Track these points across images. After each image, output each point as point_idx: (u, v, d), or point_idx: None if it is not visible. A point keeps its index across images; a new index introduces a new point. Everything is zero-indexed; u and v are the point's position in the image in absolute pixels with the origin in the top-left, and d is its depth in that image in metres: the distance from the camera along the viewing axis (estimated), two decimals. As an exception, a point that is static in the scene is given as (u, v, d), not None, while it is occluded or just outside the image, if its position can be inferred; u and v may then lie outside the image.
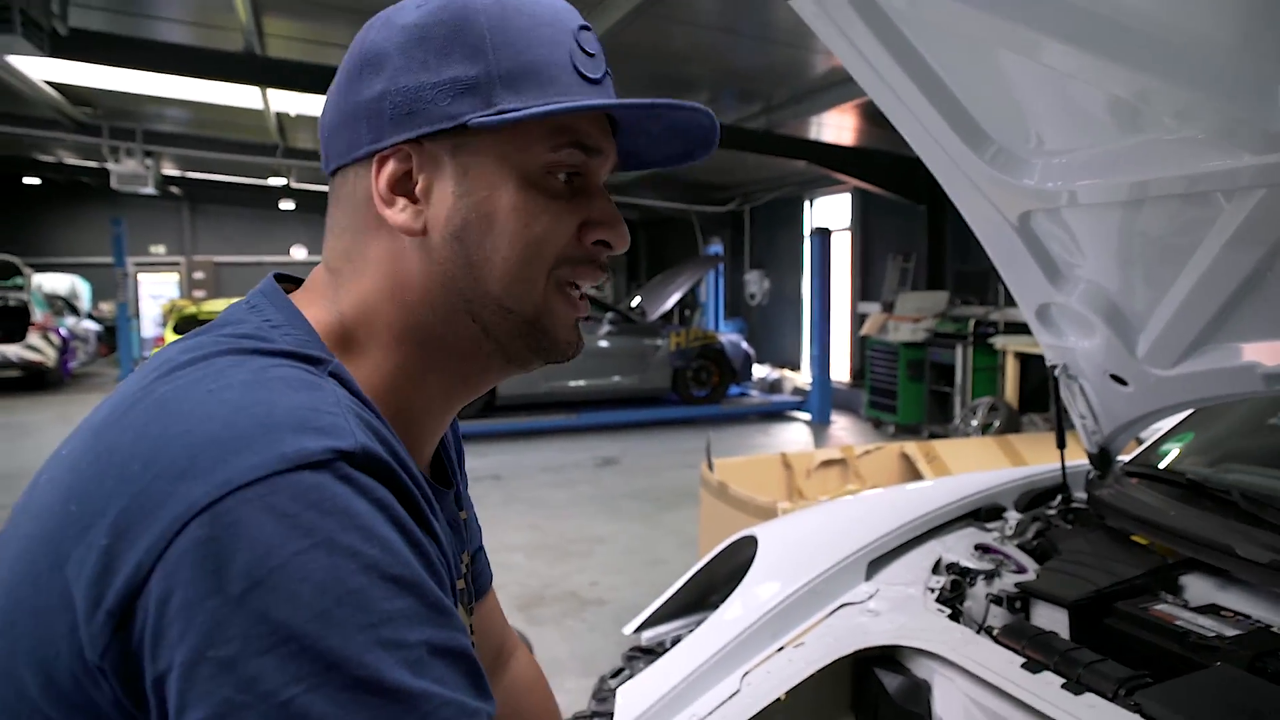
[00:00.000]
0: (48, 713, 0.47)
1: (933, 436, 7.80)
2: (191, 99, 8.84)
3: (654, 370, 9.99)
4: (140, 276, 16.33)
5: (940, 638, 1.41)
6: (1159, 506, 1.66)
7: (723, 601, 1.64)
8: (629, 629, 1.82)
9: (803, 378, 11.71)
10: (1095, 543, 1.66)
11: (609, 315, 10.12)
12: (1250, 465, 1.82)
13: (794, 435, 9.34)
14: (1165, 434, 2.03)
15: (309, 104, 8.84)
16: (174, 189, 14.77)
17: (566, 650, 3.69)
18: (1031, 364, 7.24)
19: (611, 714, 1.44)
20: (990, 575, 1.62)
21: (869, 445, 4.18)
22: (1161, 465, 1.89)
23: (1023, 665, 1.29)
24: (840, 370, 11.21)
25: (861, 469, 3.96)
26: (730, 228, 14.26)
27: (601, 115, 0.65)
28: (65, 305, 13.92)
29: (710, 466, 3.69)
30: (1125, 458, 1.98)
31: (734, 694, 1.40)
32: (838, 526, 1.82)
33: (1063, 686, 1.22)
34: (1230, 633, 1.28)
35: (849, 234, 11.51)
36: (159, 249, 17.19)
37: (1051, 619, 1.47)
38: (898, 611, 1.52)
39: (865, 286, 11.27)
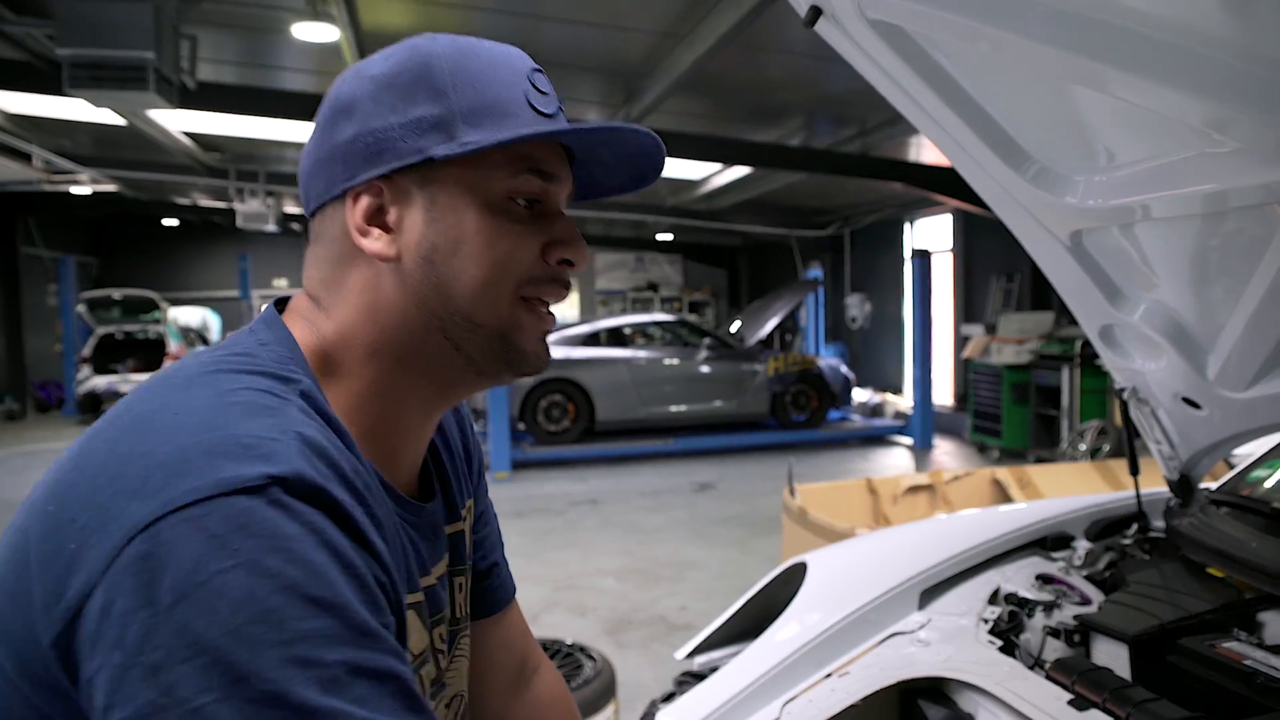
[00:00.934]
0: (21, 688, 0.53)
1: (1039, 461, 7.50)
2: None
3: (752, 395, 9.94)
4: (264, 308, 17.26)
5: (986, 670, 1.37)
6: (1240, 538, 1.57)
7: (770, 629, 1.63)
8: (681, 654, 1.83)
9: (905, 402, 11.43)
10: (1167, 575, 1.58)
11: (707, 341, 10.13)
12: (1344, 494, 1.71)
13: (895, 460, 9.13)
14: (1256, 460, 1.92)
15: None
16: (294, 226, 15.59)
17: (651, 675, 3.69)
18: (1146, 387, 6.88)
19: (651, 736, 1.45)
20: (1050, 607, 1.56)
21: (959, 470, 4.06)
22: (1247, 493, 1.79)
23: (1070, 702, 1.24)
24: (943, 394, 10.91)
25: (950, 495, 3.84)
26: (830, 251, 14.11)
27: (557, 146, 0.70)
28: (197, 337, 14.82)
29: (792, 492, 3.66)
30: (1212, 484, 1.88)
31: (772, 721, 1.39)
32: (891, 553, 1.78)
33: (1109, 725, 1.17)
34: (1303, 675, 1.20)
35: (950, 255, 11.23)
36: (281, 282, 18.12)
37: (1112, 655, 1.41)
38: (948, 642, 1.48)
39: (968, 308, 10.96)
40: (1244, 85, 1.03)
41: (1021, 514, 1.90)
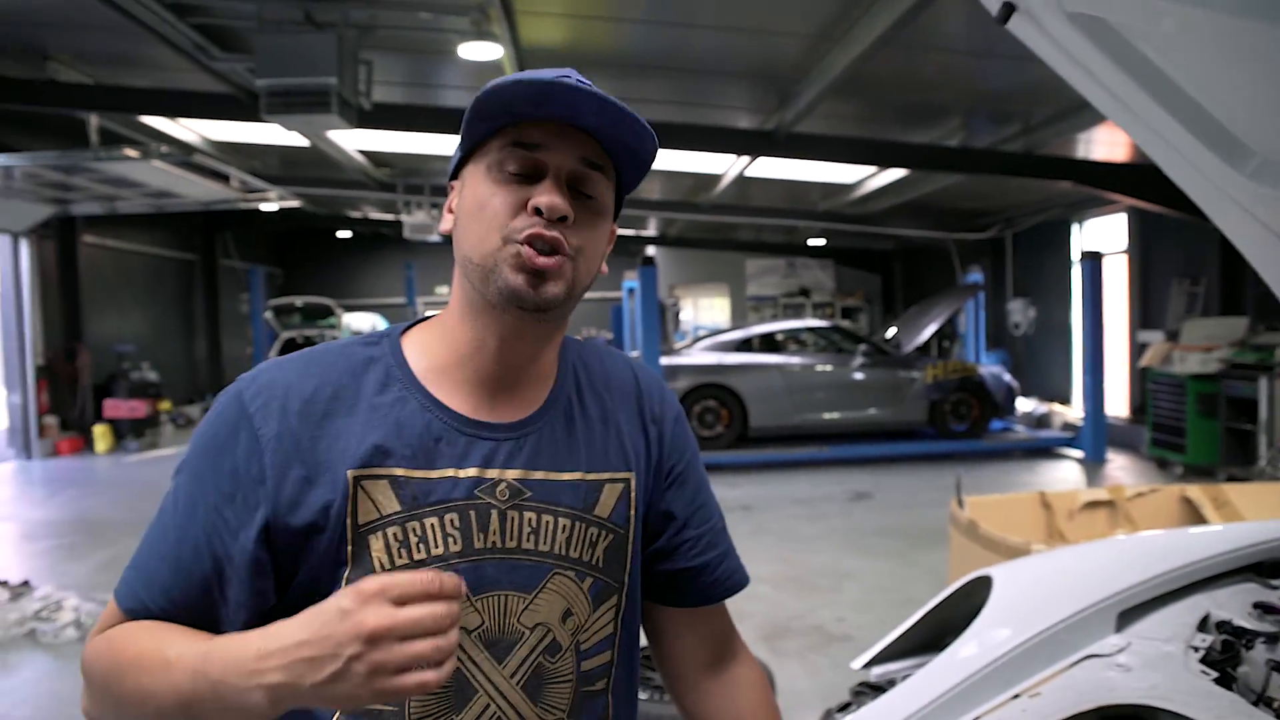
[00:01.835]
0: None
1: (1230, 479, 6.92)
2: (470, 155, 9.76)
3: (909, 403, 9.66)
4: (428, 314, 18.20)
5: (1205, 703, 1.27)
6: None
7: (954, 644, 1.58)
8: (857, 664, 1.80)
9: (1074, 412, 10.81)
10: None
11: (862, 347, 9.91)
12: None
13: (1063, 474, 8.65)
14: None
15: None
16: (456, 236, 16.32)
17: (809, 685, 3.65)
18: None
19: (832, 747, 1.44)
20: (1274, 639, 1.44)
21: (1143, 486, 3.80)
22: None
23: (1304, 742, 1.14)
24: (1117, 405, 10.24)
25: (1133, 512, 3.61)
26: (991, 255, 13.51)
27: (554, 125, 0.87)
28: (367, 341, 15.74)
29: (960, 503, 3.53)
30: None
31: (961, 739, 1.35)
32: (1085, 570, 1.69)
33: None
34: None
35: (1124, 257, 10.54)
36: (443, 289, 18.98)
37: (1348, 693, 1.29)
38: (1152, 669, 1.39)
39: (1145, 314, 10.24)
40: None
41: (1230, 535, 1.76)
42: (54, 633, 4.27)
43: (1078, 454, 9.34)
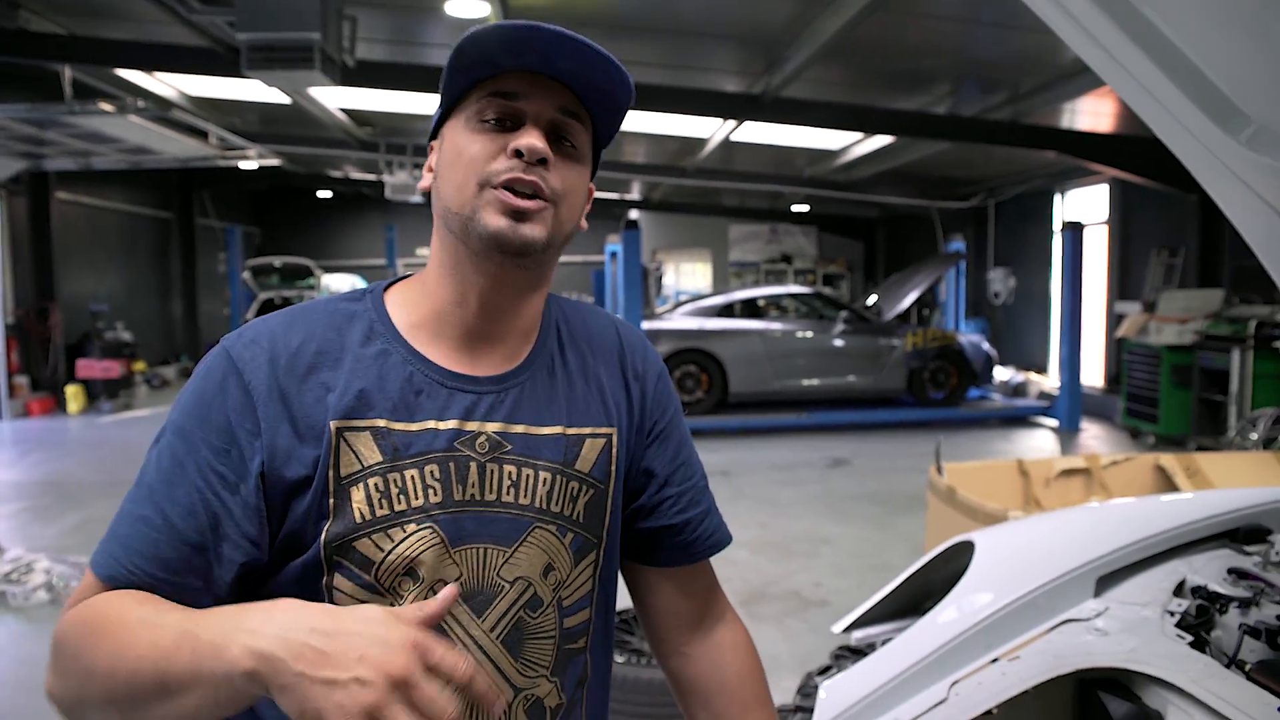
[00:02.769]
0: None
1: (1200, 449, 7.03)
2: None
3: (889, 371, 9.72)
4: (409, 273, 18.10)
5: (1179, 666, 1.29)
6: None
7: (935, 608, 1.60)
8: (838, 627, 1.82)
9: (1050, 381, 10.92)
10: (1382, 575, 1.47)
11: (843, 314, 9.94)
12: None
13: (1038, 442, 8.76)
14: None
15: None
16: (438, 197, 16.16)
17: (786, 649, 3.70)
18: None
19: (813, 710, 1.45)
20: (1246, 604, 1.46)
21: (1117, 455, 3.85)
22: None
23: None
24: (1093, 374, 10.36)
25: (1108, 480, 3.66)
26: (973, 224, 13.55)
27: (530, 74, 0.87)
28: (346, 303, 15.61)
29: (939, 470, 3.56)
30: None
31: (940, 702, 1.36)
32: (1065, 536, 1.71)
33: (1323, 732, 1.09)
34: None
35: (1105, 228, 10.60)
36: (424, 251, 18.69)
37: (1320, 657, 1.31)
38: (1129, 633, 1.41)
39: (1123, 285, 10.32)
40: None
41: (1205, 502, 1.79)
42: (24, 595, 4.23)
43: (1053, 423, 9.45)
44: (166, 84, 8.86)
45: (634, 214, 13.84)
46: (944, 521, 3.26)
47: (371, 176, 13.90)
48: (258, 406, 0.84)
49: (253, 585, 0.85)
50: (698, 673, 1.05)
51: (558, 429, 0.94)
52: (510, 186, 0.85)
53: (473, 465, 0.89)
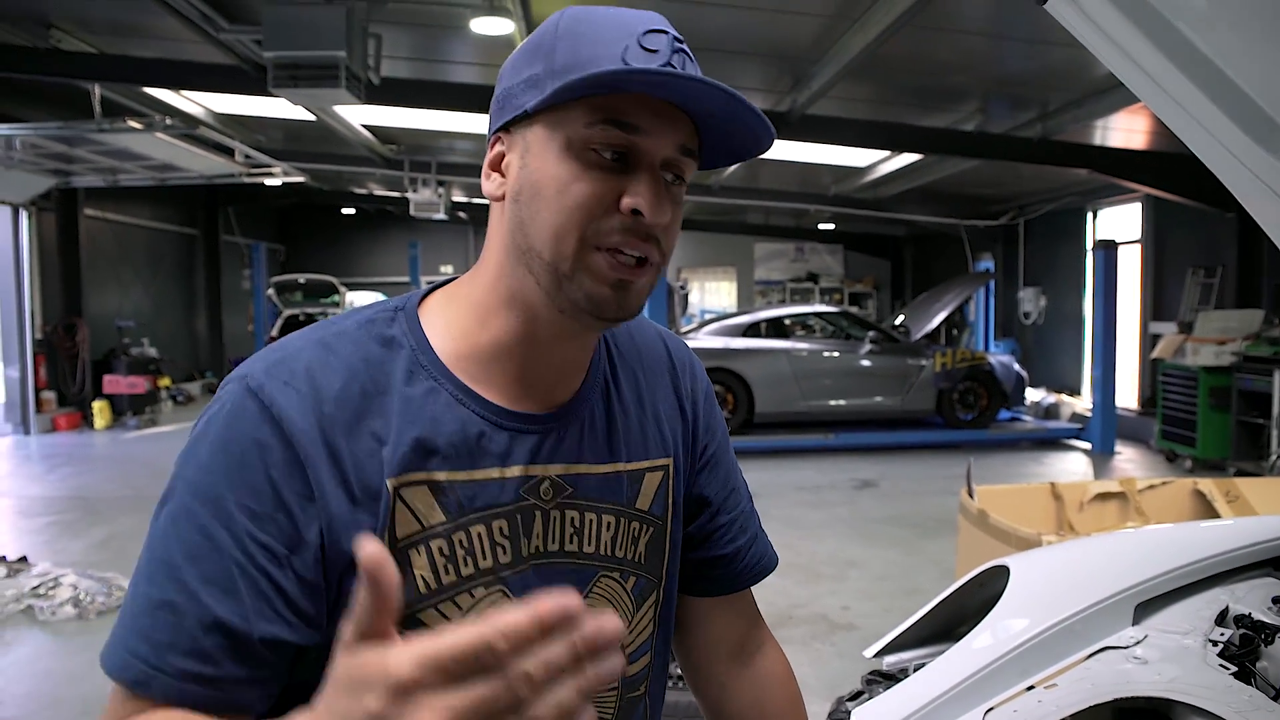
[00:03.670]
0: None
1: (1241, 474, 6.88)
2: (477, 132, 9.70)
3: (917, 391, 9.61)
4: (437, 280, 18.17)
5: (1223, 698, 1.25)
6: None
7: (969, 633, 1.55)
8: (869, 652, 1.77)
9: (1083, 403, 10.76)
10: None
11: (871, 334, 9.87)
12: None
13: (1071, 465, 8.62)
14: None
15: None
16: (461, 214, 16.27)
17: (812, 673, 3.64)
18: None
19: (843, 736, 1.41)
20: (1293, 633, 1.41)
21: (1154, 479, 3.77)
22: None
23: (1327, 739, 1.12)
24: (1127, 396, 10.19)
25: (1144, 505, 3.57)
26: (1003, 242, 13.43)
27: (653, 100, 0.72)
28: (372, 320, 15.70)
29: (970, 493, 3.50)
30: None
31: (975, 730, 1.32)
32: (1102, 562, 1.66)
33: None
34: None
35: (1139, 247, 10.46)
36: (448, 268, 18.94)
37: (1370, 689, 1.26)
38: (1170, 662, 1.36)
39: (1158, 305, 10.17)
40: None
41: (1247, 529, 1.73)
42: (51, 610, 4.26)
43: (1086, 445, 9.30)
44: (194, 101, 9.00)
45: (659, 232, 13.82)
46: (975, 545, 3.19)
47: (395, 194, 14.03)
48: (306, 465, 0.70)
49: (297, 661, 0.72)
50: (739, 708, 0.98)
51: (618, 466, 0.85)
52: (620, 249, 0.73)
53: (538, 515, 0.80)
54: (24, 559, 4.81)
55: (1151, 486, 3.69)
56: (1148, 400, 9.88)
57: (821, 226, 17.03)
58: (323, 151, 11.28)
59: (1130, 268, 10.36)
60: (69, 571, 4.60)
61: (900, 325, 10.62)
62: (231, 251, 15.95)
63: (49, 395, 10.50)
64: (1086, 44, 1.29)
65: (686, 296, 15.31)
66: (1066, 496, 3.64)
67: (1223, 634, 1.43)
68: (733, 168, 10.67)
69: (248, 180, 10.47)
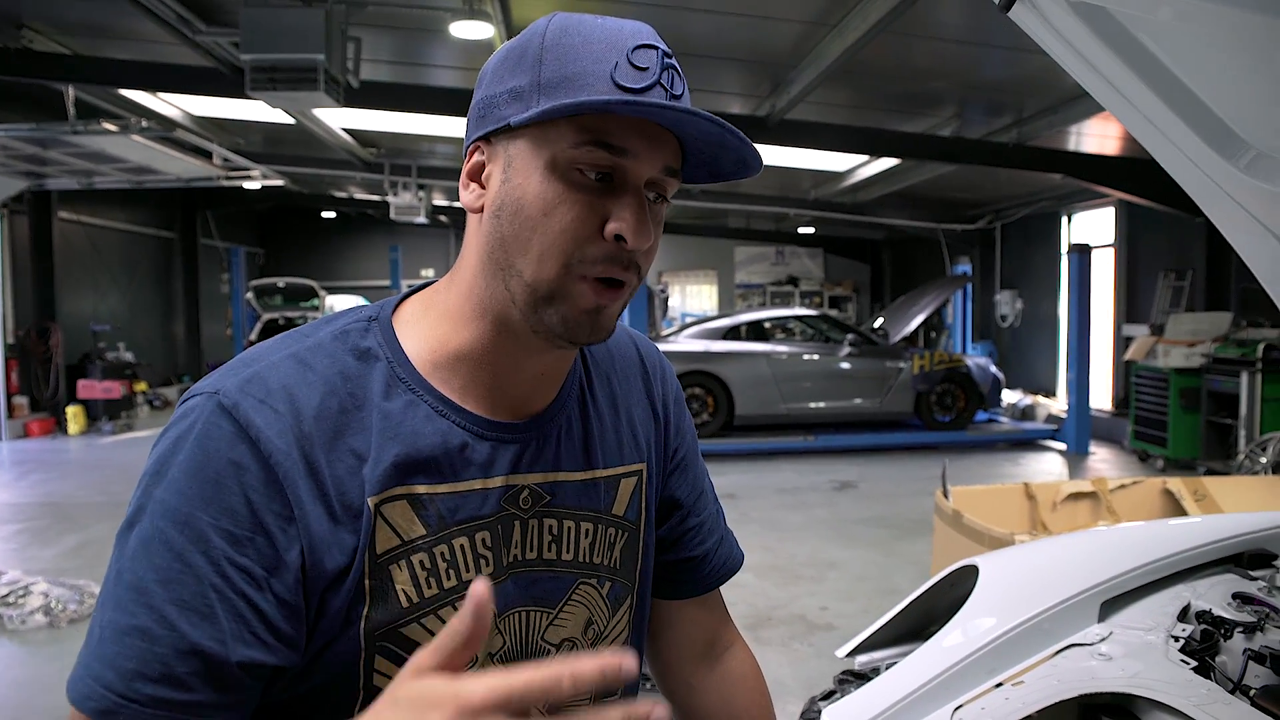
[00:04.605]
0: None
1: (1210, 473, 6.99)
2: (457, 136, 9.69)
3: (895, 394, 9.68)
4: (412, 285, 18.11)
5: (1183, 691, 1.28)
6: None
7: (939, 632, 1.58)
8: (842, 652, 1.80)
9: (1058, 405, 10.88)
10: (1390, 601, 1.45)
11: (850, 337, 9.94)
12: None
13: (1046, 466, 8.71)
14: None
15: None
16: (442, 218, 16.24)
17: (790, 673, 3.67)
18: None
19: (816, 734, 1.44)
20: (1251, 629, 1.45)
21: (1125, 478, 3.83)
22: None
23: (1282, 731, 1.15)
24: (1101, 398, 10.32)
25: (1116, 504, 3.63)
26: (980, 246, 13.56)
27: (643, 122, 0.71)
28: (352, 324, 15.63)
29: (946, 494, 3.54)
30: None
31: (944, 727, 1.35)
32: (1069, 561, 1.70)
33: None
34: None
35: (1112, 250, 10.59)
36: (428, 272, 18.87)
37: (1326, 684, 1.29)
38: (1134, 658, 1.40)
39: (1130, 307, 10.31)
40: None
41: (1210, 527, 1.78)
42: (21, 618, 4.20)
43: (1061, 446, 9.40)
44: (170, 104, 8.94)
45: (639, 235, 13.84)
46: (950, 545, 3.23)
47: (376, 197, 13.98)
48: (285, 485, 0.69)
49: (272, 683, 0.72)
50: (708, 708, 0.99)
51: (595, 473, 0.85)
52: (602, 278, 0.72)
53: (516, 524, 0.79)
54: (-5, 566, 4.76)
55: (1123, 486, 3.75)
56: (1121, 401, 10.01)
57: (801, 230, 17.12)
58: (302, 155, 11.22)
59: (1104, 271, 10.49)
60: (40, 579, 4.54)
61: (879, 328, 10.69)
62: (210, 255, 15.83)
63: (21, 400, 10.36)
64: (1050, 52, 1.32)
65: (667, 300, 15.36)
66: (1040, 496, 3.69)
67: (1184, 629, 1.47)
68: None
69: (226, 183, 10.40)
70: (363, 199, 15.27)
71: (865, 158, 9.98)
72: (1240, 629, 1.44)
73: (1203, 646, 1.42)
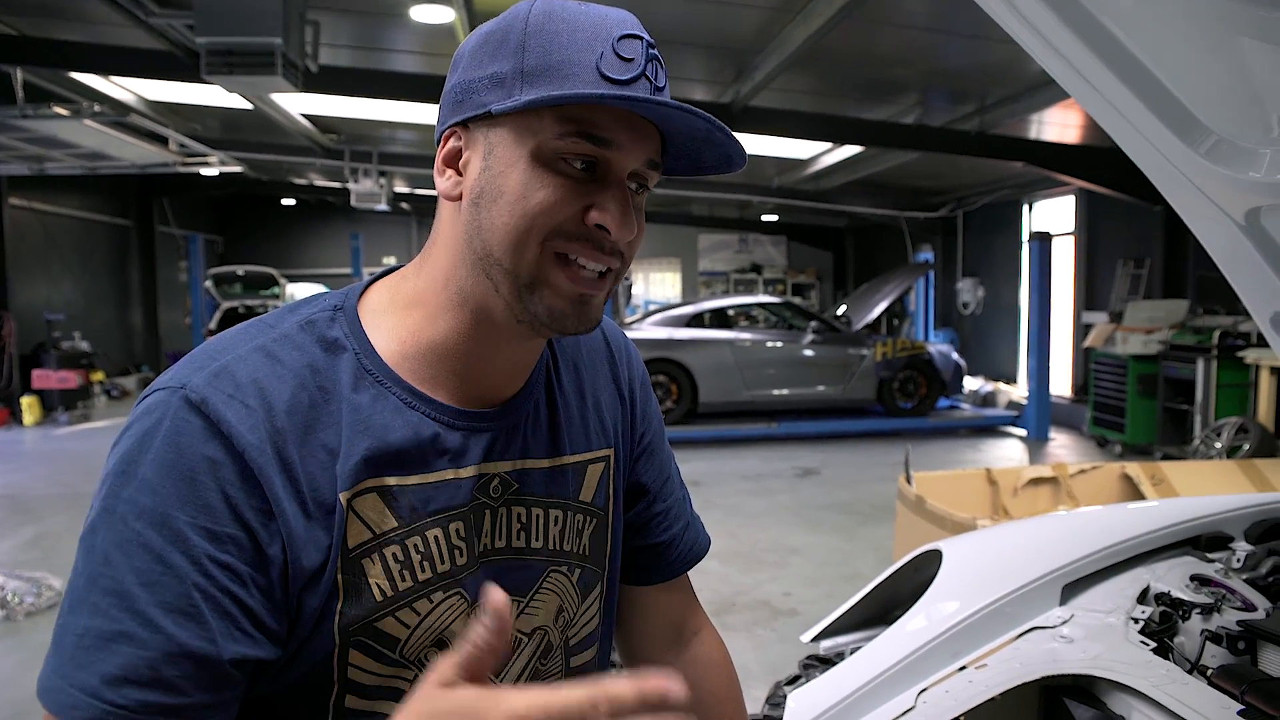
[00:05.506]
0: None
1: (1166, 458, 7.13)
2: (419, 122, 9.57)
3: (858, 380, 9.76)
4: (377, 271, 17.92)
5: (1142, 672, 1.29)
6: None
7: (903, 616, 1.59)
8: (807, 637, 1.80)
9: (1019, 391, 11.04)
10: (1341, 580, 1.48)
11: (813, 324, 9.99)
12: None
13: (1007, 452, 8.83)
14: None
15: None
16: (404, 205, 16.05)
17: (755, 659, 3.68)
18: (1291, 381, 6.46)
19: (781, 719, 1.44)
20: (1208, 610, 1.47)
21: (1084, 464, 3.89)
22: None
23: (1240, 713, 1.16)
24: (1061, 384, 10.48)
25: (1075, 489, 3.69)
26: (942, 234, 13.70)
27: (626, 113, 0.71)
28: (313, 313, 15.43)
29: (909, 479, 3.57)
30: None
31: (908, 710, 1.35)
32: (1031, 545, 1.71)
33: (1284, 738, 1.09)
34: None
35: (1072, 239, 10.75)
36: (390, 259, 18.64)
37: (1281, 663, 1.31)
38: (1094, 640, 1.41)
39: (1090, 295, 10.47)
40: None
41: (1169, 510, 1.80)
42: (-23, 609, 4.12)
43: (1021, 432, 9.54)
44: (124, 88, 8.71)
45: (604, 223, 13.81)
46: (913, 530, 3.26)
47: (336, 184, 13.78)
48: (261, 481, 0.67)
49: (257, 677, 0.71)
50: None
51: (562, 459, 0.85)
52: (584, 265, 0.72)
53: (487, 513, 0.79)
54: (-54, 561, 4.64)
55: (1082, 471, 3.80)
56: (1080, 388, 10.18)
57: (765, 218, 17.17)
58: (261, 141, 11.01)
59: (1064, 259, 10.64)
60: (-6, 572, 4.45)
61: (842, 315, 10.77)
62: (167, 243, 15.51)
63: (-28, 391, 10.13)
64: (1015, 37, 1.31)
65: (630, 287, 15.32)
66: (1001, 482, 3.73)
67: (1144, 611, 1.49)
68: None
69: (183, 170, 10.17)
70: (323, 186, 15.04)
71: (829, 145, 10.01)
72: (1198, 610, 1.46)
73: (1162, 628, 1.44)
